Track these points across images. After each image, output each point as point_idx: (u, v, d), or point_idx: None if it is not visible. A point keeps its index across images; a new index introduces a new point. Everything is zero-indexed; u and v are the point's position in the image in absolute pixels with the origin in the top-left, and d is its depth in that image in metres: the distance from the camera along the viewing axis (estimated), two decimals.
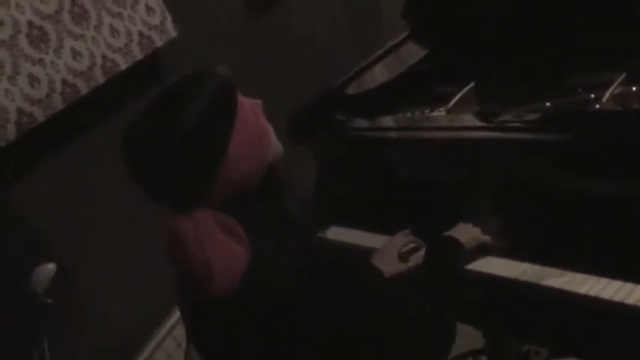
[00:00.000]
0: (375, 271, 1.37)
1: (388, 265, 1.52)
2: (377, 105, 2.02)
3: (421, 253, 1.59)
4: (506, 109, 1.67)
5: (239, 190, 1.23)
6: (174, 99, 1.21)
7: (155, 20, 2.60)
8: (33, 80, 2.25)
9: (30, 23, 2.26)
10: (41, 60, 2.27)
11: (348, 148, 2.02)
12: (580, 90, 1.70)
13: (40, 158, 2.37)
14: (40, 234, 2.38)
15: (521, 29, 1.86)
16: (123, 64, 2.49)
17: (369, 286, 1.28)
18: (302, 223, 1.39)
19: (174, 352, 2.68)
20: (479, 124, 1.67)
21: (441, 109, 1.87)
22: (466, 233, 1.60)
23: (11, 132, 2.19)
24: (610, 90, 1.57)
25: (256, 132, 1.26)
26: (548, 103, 1.70)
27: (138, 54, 2.54)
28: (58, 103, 2.31)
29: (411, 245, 1.64)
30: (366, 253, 1.63)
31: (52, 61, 2.30)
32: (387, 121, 1.95)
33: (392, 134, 1.91)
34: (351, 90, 2.07)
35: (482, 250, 1.61)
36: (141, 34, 2.55)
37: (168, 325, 2.67)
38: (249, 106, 1.26)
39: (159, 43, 2.61)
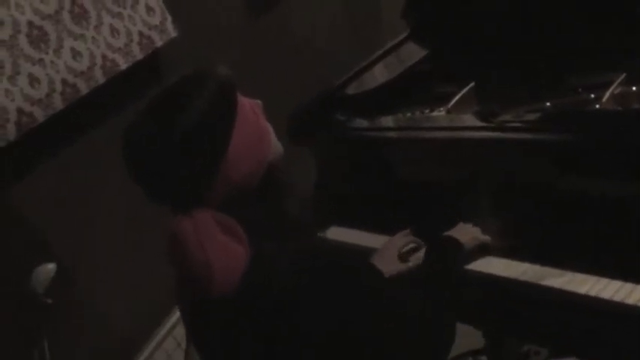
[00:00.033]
0: (374, 271, 1.37)
1: (388, 265, 1.52)
2: (377, 105, 2.02)
3: (421, 253, 1.59)
4: (506, 109, 1.67)
5: (239, 191, 1.23)
6: (175, 99, 1.21)
7: (155, 20, 2.60)
8: (33, 80, 2.25)
9: (30, 23, 2.26)
10: (41, 60, 2.27)
11: (348, 148, 2.02)
12: (580, 90, 1.70)
13: (40, 158, 2.37)
14: (40, 234, 2.38)
15: (521, 29, 1.86)
16: (123, 64, 2.49)
17: (369, 286, 1.28)
18: (302, 223, 1.39)
19: (175, 352, 2.68)
20: (479, 124, 1.67)
21: (441, 109, 1.87)
22: (466, 233, 1.60)
23: (11, 132, 2.19)
24: (610, 90, 1.57)
25: (256, 132, 1.26)
26: (548, 103, 1.70)
27: (138, 54, 2.54)
28: (58, 103, 2.31)
29: (411, 245, 1.64)
30: (366, 253, 1.63)
31: (52, 61, 2.30)
32: (387, 121, 1.95)
33: (392, 134, 1.91)
34: (351, 90, 2.07)
35: (483, 250, 1.61)
36: (141, 34, 2.55)
37: (168, 325, 2.67)
38: (249, 107, 1.26)
39: (159, 43, 2.61)
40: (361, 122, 1.99)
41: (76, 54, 2.36)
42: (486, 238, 1.61)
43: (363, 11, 3.59)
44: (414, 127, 1.87)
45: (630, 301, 1.34)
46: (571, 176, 1.49)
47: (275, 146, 1.30)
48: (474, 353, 2.24)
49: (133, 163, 1.22)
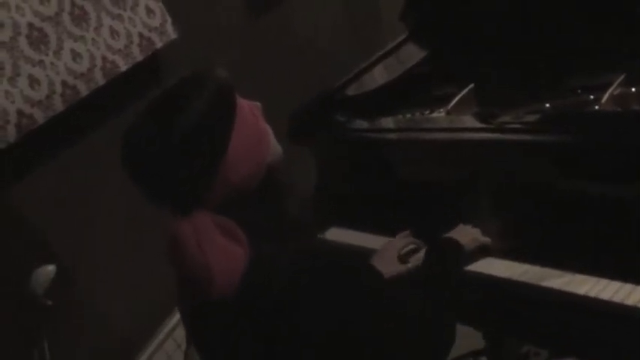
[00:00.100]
0: (374, 272, 1.37)
1: (387, 266, 1.52)
2: (377, 106, 2.02)
3: (421, 254, 1.59)
4: (506, 110, 1.67)
5: (238, 192, 1.23)
6: (174, 101, 1.21)
7: (155, 22, 2.60)
8: (33, 82, 2.25)
9: (30, 25, 2.26)
10: (41, 61, 2.28)
11: (348, 148, 2.02)
12: (579, 91, 1.70)
13: (41, 159, 2.37)
14: (40, 234, 2.39)
15: (521, 29, 1.85)
16: (123, 66, 2.49)
17: (369, 286, 1.28)
18: (302, 224, 1.39)
19: (175, 353, 2.68)
20: (478, 125, 1.67)
21: (441, 110, 1.87)
22: (466, 235, 1.60)
23: (11, 134, 2.19)
24: (609, 91, 1.57)
25: (255, 134, 1.26)
26: (547, 105, 1.70)
27: (138, 55, 2.55)
28: (58, 105, 2.31)
29: (411, 247, 1.64)
30: (366, 254, 1.63)
31: (52, 63, 2.30)
32: (387, 122, 1.95)
33: (392, 135, 1.91)
34: (351, 91, 2.07)
35: (482, 252, 1.61)
36: (141, 35, 2.55)
37: (168, 326, 2.67)
38: (248, 108, 1.26)
39: (159, 45, 2.61)
40: (361, 123, 1.99)
41: (76, 55, 2.36)
42: (486, 239, 1.61)
43: (363, 12, 3.59)
44: (414, 129, 1.87)
45: (630, 302, 1.34)
46: (570, 177, 1.49)
47: (274, 148, 1.30)
48: (474, 354, 2.24)
49: (132, 164, 1.22)
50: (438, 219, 1.68)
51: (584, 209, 1.46)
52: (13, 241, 2.32)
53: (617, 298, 1.36)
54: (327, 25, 3.44)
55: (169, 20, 2.65)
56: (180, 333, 2.60)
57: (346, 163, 2.03)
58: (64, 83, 2.32)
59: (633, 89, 1.57)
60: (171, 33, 2.66)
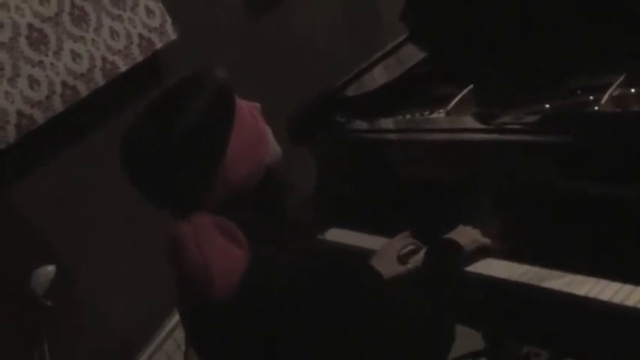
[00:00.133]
0: (373, 272, 1.37)
1: (387, 267, 1.52)
2: (377, 107, 2.02)
3: (420, 255, 1.58)
4: (506, 110, 1.67)
5: (237, 193, 1.23)
6: (173, 101, 1.22)
7: (155, 23, 2.60)
8: (33, 82, 2.25)
9: (30, 26, 2.26)
10: (41, 62, 2.28)
11: (348, 149, 2.02)
12: (579, 92, 1.70)
13: (41, 160, 2.37)
14: (41, 234, 2.39)
15: (521, 30, 1.85)
16: (123, 67, 2.49)
17: (369, 286, 1.28)
18: (302, 224, 1.39)
19: (175, 354, 2.68)
20: (478, 126, 1.67)
21: (441, 110, 1.87)
22: (466, 235, 1.60)
23: (11, 134, 2.19)
24: (609, 92, 1.57)
25: (254, 134, 1.26)
26: (547, 105, 1.70)
27: (138, 56, 2.55)
28: (58, 105, 2.31)
29: (410, 247, 1.64)
30: (366, 254, 1.63)
31: (51, 63, 2.30)
32: (387, 122, 1.95)
33: (392, 136, 1.91)
34: (350, 92, 2.07)
35: (482, 253, 1.61)
36: (141, 36, 2.55)
37: (168, 326, 2.67)
38: (247, 109, 1.27)
39: (158, 46, 2.61)
40: (361, 124, 1.99)
41: (75, 56, 2.36)
42: (486, 240, 1.61)
43: (363, 12, 3.59)
44: (414, 129, 1.87)
45: (630, 302, 1.34)
46: (570, 178, 1.49)
47: (273, 148, 1.30)
48: (474, 355, 2.24)
49: (131, 165, 1.22)
50: (438, 219, 1.67)
51: (584, 210, 1.46)
52: (13, 241, 2.32)
53: (617, 299, 1.36)
54: (326, 25, 3.44)
55: (169, 21, 2.65)
56: (180, 333, 2.60)
57: (346, 163, 2.03)
58: (63, 84, 2.32)
59: (633, 90, 1.57)
60: (171, 33, 2.66)
